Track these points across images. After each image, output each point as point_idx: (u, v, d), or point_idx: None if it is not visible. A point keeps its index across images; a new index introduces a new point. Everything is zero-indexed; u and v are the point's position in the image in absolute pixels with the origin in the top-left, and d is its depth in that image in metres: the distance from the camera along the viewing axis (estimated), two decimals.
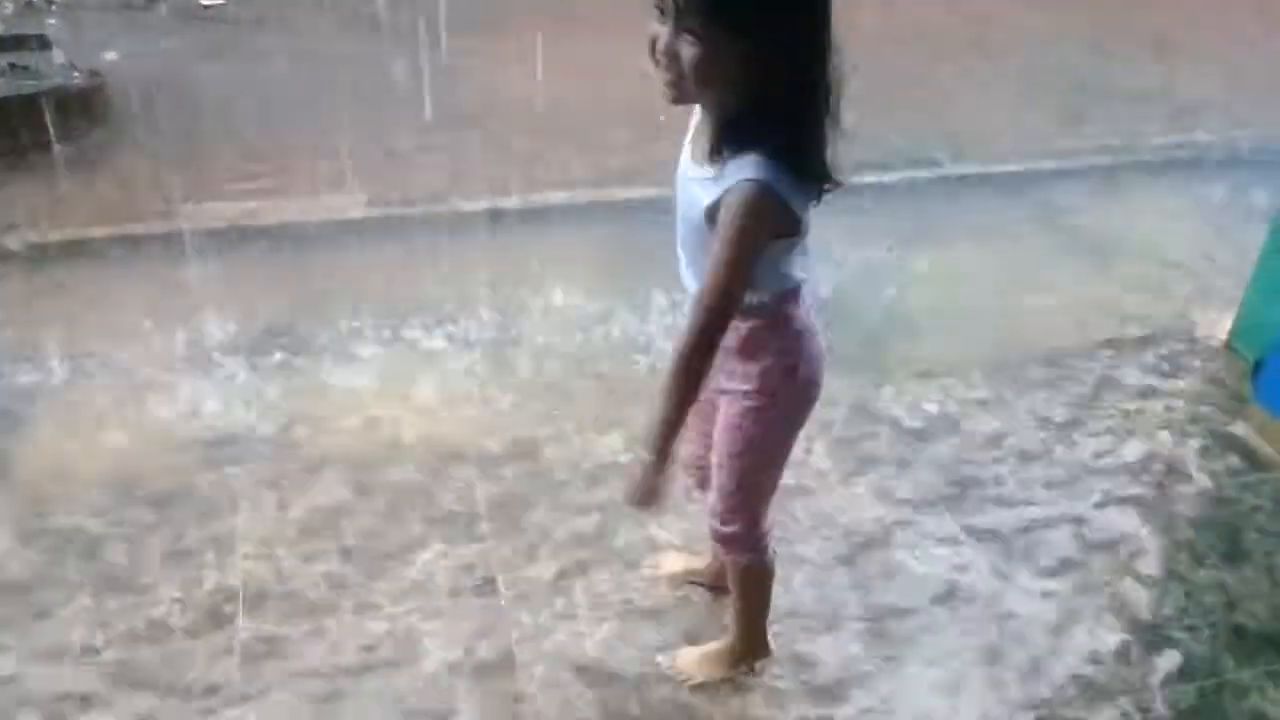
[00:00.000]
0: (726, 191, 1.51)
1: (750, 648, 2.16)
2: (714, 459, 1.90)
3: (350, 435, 2.80)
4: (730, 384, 1.81)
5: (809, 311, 1.77)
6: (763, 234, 1.54)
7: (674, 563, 2.40)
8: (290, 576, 2.36)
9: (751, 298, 1.65)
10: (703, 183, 1.56)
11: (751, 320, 1.71)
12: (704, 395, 1.73)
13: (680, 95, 1.51)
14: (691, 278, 1.70)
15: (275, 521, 2.51)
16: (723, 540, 1.99)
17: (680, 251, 1.73)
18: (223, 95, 4.76)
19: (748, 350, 1.75)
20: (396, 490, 2.61)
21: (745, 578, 2.06)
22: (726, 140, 1.52)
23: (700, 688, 2.13)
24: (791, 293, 1.72)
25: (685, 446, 1.94)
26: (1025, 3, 6.19)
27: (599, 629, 2.25)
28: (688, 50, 1.44)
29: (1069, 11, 6.18)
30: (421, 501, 2.58)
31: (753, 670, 2.16)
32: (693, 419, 1.75)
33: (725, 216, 1.52)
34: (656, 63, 1.49)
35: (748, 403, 1.80)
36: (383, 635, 2.22)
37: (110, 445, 2.74)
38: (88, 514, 2.51)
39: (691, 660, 2.18)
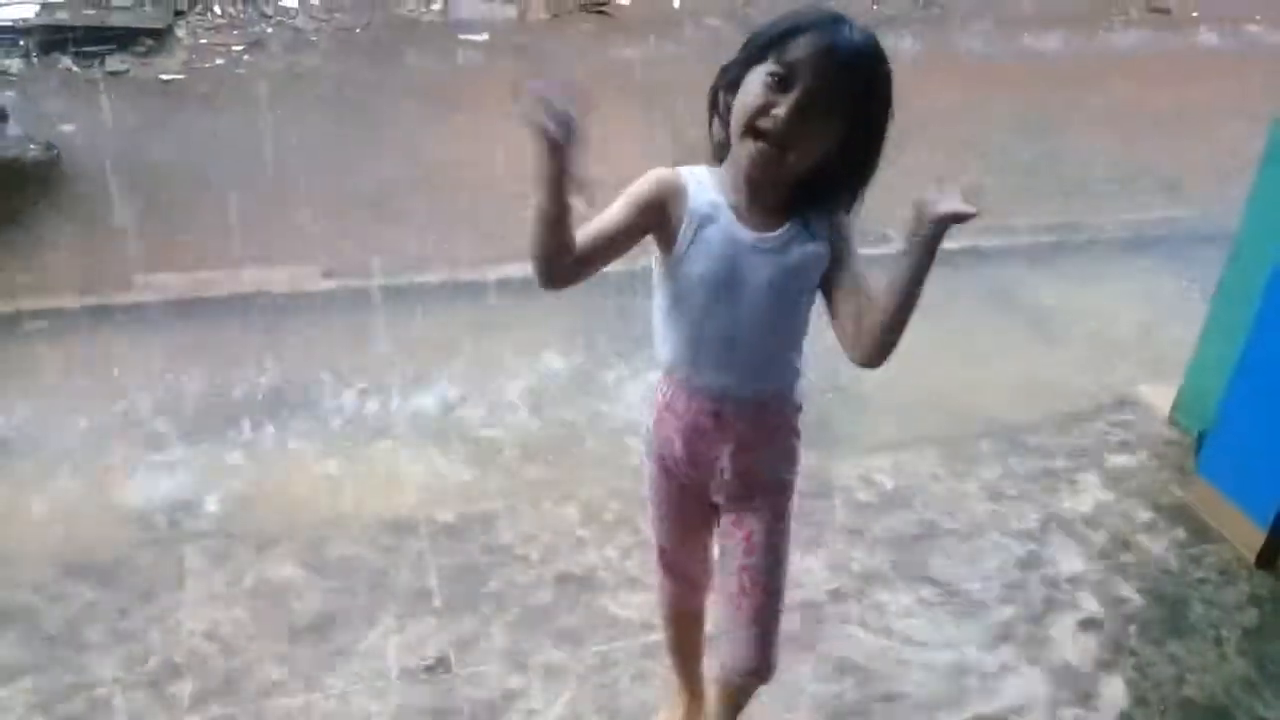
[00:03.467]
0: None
1: None
2: (750, 579, 1.77)
3: (301, 508, 2.77)
4: (777, 473, 1.76)
5: None
6: None
7: None
8: (237, 655, 2.31)
9: (800, 375, 1.71)
10: (783, 246, 1.57)
11: (796, 400, 1.74)
12: (688, 527, 1.81)
13: (780, 167, 1.50)
14: (764, 358, 1.65)
15: (223, 598, 2.46)
16: (764, 672, 1.83)
17: (742, 334, 1.62)
18: (179, 168, 4.76)
19: (793, 430, 1.76)
20: (347, 564, 2.58)
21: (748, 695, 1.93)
22: (812, 198, 1.57)
23: None
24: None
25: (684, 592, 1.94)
26: (968, 81, 6.37)
27: (553, 707, 2.23)
28: (822, 125, 1.47)
29: (1011, 90, 6.36)
30: (373, 576, 2.55)
31: None
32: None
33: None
34: (755, 131, 1.48)
35: (786, 494, 1.78)
36: (332, 714, 2.18)
37: (53, 520, 2.69)
38: (29, 590, 2.45)
39: None
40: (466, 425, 3.17)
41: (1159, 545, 2.82)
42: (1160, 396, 3.40)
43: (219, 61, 6.24)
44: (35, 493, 2.79)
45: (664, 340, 1.67)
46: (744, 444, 1.70)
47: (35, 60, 5.92)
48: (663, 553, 1.92)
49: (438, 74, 6.11)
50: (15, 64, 5.81)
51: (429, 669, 2.31)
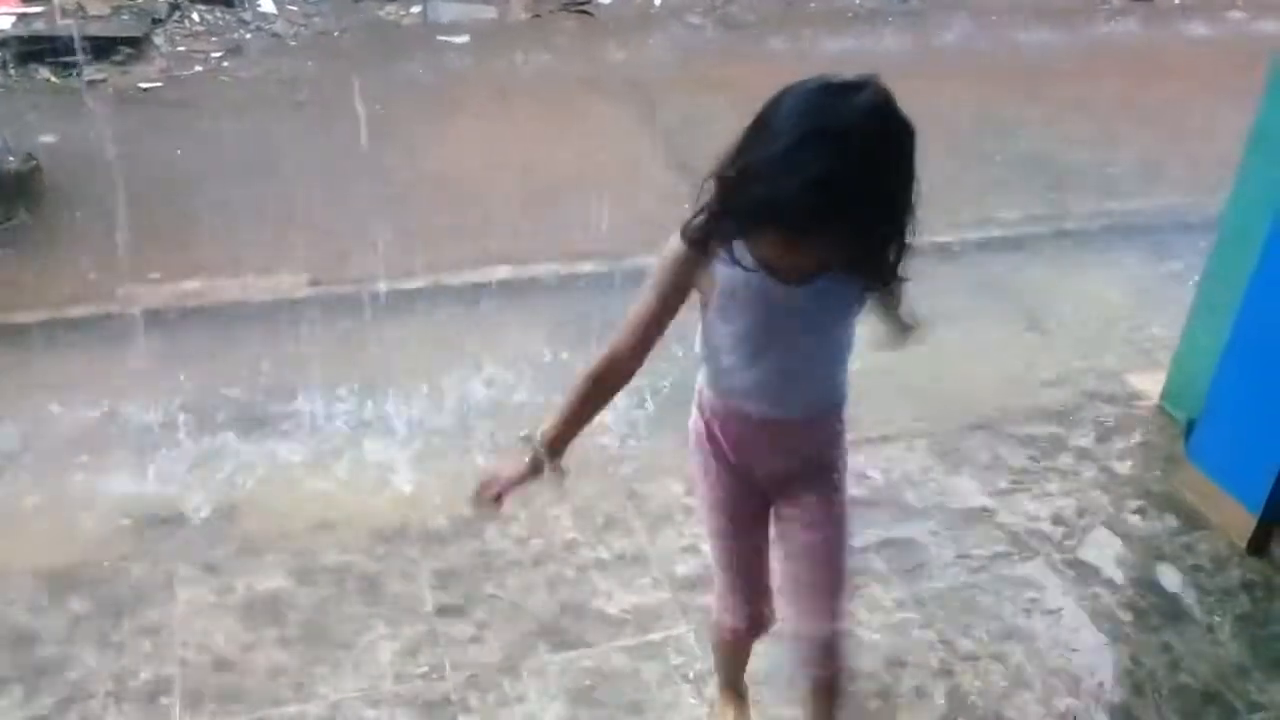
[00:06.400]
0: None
1: None
2: (818, 557, 1.81)
3: (291, 516, 2.75)
4: (836, 464, 1.83)
5: None
6: None
7: None
8: (229, 666, 2.30)
9: (843, 388, 1.78)
10: (817, 295, 1.57)
11: (841, 411, 1.81)
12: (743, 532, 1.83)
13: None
14: (814, 386, 1.73)
15: (213, 608, 2.45)
16: (841, 647, 1.86)
17: (785, 376, 1.68)
18: (160, 177, 4.73)
19: (840, 435, 1.83)
20: (339, 572, 2.57)
21: (844, 684, 1.92)
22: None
23: None
24: None
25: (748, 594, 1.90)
26: (953, 76, 6.37)
27: (549, 710, 2.22)
28: (823, 256, 1.49)
29: (995, 83, 6.36)
30: (364, 583, 2.54)
31: None
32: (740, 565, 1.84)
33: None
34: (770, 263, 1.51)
35: (840, 491, 1.83)
36: None
37: (41, 531, 2.67)
38: (17, 603, 2.43)
39: None
40: (455, 430, 3.16)
41: (1150, 533, 2.82)
42: (1149, 384, 3.41)
43: (198, 69, 6.20)
44: (20, 505, 2.77)
45: (707, 375, 1.75)
46: (790, 449, 1.78)
47: (12, 71, 5.88)
48: (728, 558, 1.89)
49: (420, 77, 6.08)
50: None
51: (423, 676, 2.29)
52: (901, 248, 1.51)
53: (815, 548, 1.80)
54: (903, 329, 1.67)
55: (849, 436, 1.84)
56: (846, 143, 1.38)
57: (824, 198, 1.37)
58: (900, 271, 1.53)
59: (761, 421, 1.72)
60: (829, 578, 1.82)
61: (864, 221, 1.43)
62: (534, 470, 1.67)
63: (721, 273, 1.56)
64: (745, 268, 1.52)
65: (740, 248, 1.51)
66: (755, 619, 1.91)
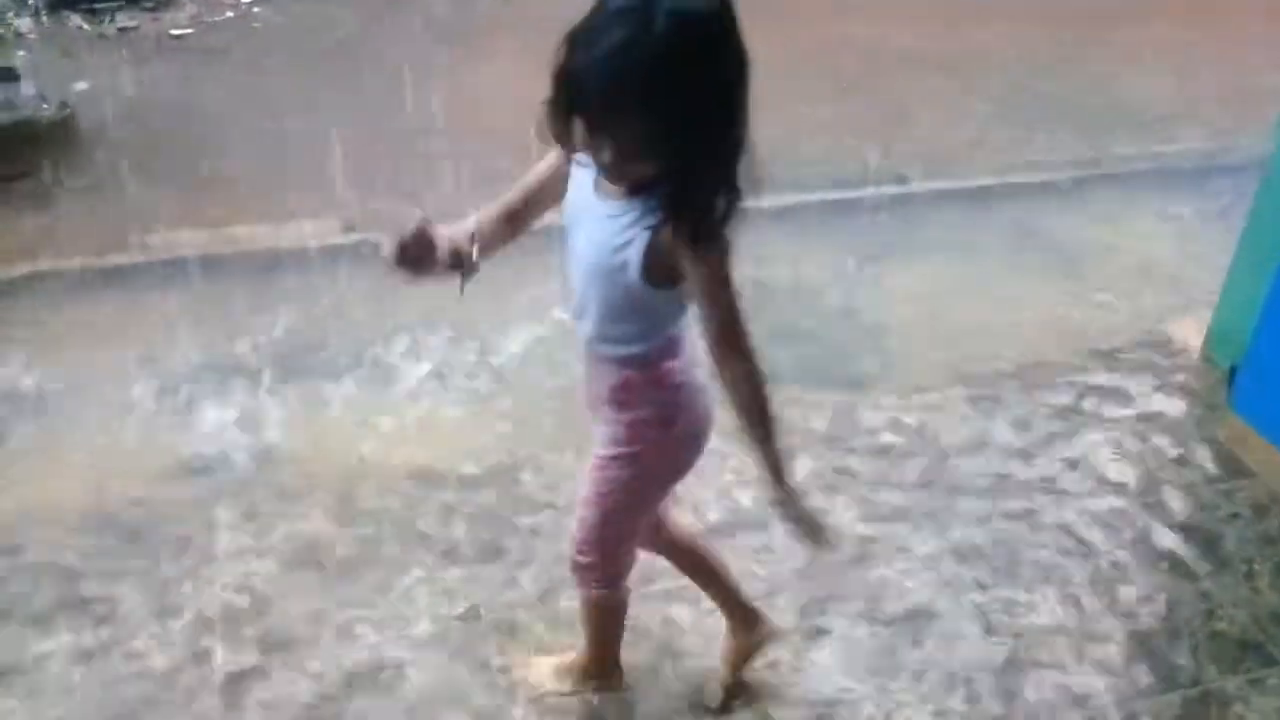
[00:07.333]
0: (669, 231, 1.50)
1: (598, 672, 2.16)
2: (581, 492, 1.89)
3: (328, 461, 2.77)
4: (603, 428, 1.81)
5: (690, 364, 1.74)
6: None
7: None
8: (269, 607, 2.33)
9: (630, 348, 1.68)
10: (613, 219, 1.55)
11: (627, 371, 1.72)
12: None
13: (612, 177, 1.51)
14: (595, 317, 1.68)
15: (253, 551, 2.48)
16: (577, 570, 1.97)
17: (581, 297, 1.69)
18: (193, 123, 4.73)
19: (619, 400, 1.75)
20: (376, 516, 2.59)
21: (595, 608, 2.07)
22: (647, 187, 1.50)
23: None
24: (671, 345, 1.71)
25: None
26: (991, 19, 6.25)
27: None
28: (611, 150, 1.42)
29: (1034, 27, 6.24)
30: (401, 527, 2.56)
31: (607, 689, 2.16)
32: None
33: (703, 275, 1.52)
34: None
35: (616, 449, 1.80)
36: (364, 665, 2.20)
37: (85, 476, 2.70)
38: (63, 546, 2.48)
39: (545, 671, 2.19)
40: (488, 376, 3.16)
41: (1191, 481, 2.79)
42: (1191, 331, 3.36)
43: (229, 15, 6.17)
44: (63, 449, 2.80)
45: None
46: (590, 389, 1.82)
47: (45, 19, 5.87)
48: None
49: (455, 19, 6.02)
50: (25, 23, 5.77)
51: (459, 618, 2.32)
52: (730, 198, 1.45)
53: (586, 485, 1.88)
54: (810, 528, 1.69)
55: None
56: (650, 24, 1.32)
57: (613, 75, 1.34)
58: (723, 226, 1.48)
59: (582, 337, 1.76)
60: (584, 513, 1.89)
61: (660, 125, 1.37)
62: (453, 257, 1.65)
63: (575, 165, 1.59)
64: (580, 164, 1.54)
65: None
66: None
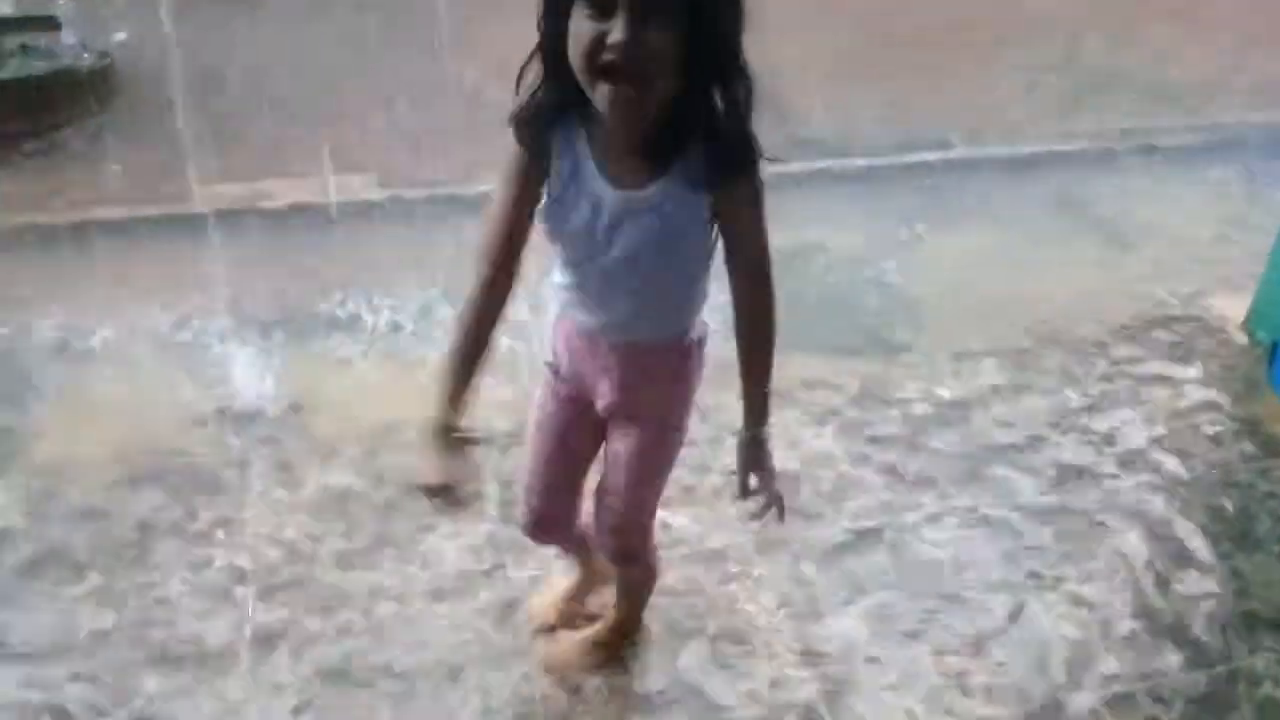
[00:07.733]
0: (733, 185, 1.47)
1: (633, 630, 2.18)
2: (615, 480, 1.83)
3: (360, 416, 2.79)
4: (645, 410, 1.77)
5: None
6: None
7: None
8: (300, 559, 2.36)
9: (688, 319, 1.68)
10: (655, 205, 1.48)
11: (684, 341, 1.71)
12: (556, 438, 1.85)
13: (642, 104, 1.38)
14: (652, 308, 1.64)
15: (285, 502, 2.51)
16: (626, 552, 1.95)
17: (624, 297, 1.63)
18: (234, 75, 4.74)
19: (672, 372, 1.74)
20: (406, 471, 2.60)
21: (643, 581, 2.09)
22: (671, 138, 1.44)
23: None
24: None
25: (538, 500, 1.93)
26: None
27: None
28: (663, 33, 1.31)
29: None
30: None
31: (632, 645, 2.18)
32: (546, 470, 1.87)
33: (746, 205, 1.50)
34: (600, 71, 1.34)
35: (669, 430, 1.80)
36: (392, 617, 2.22)
37: (121, 425, 2.74)
38: (98, 493, 2.51)
39: (571, 649, 2.16)
40: (520, 335, 3.16)
41: (1227, 458, 2.76)
42: (1232, 307, 3.31)
43: None
44: (100, 398, 2.84)
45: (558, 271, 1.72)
46: (624, 381, 1.72)
47: None
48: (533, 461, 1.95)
49: None
50: None
51: (485, 573, 2.33)
52: (747, 94, 1.41)
53: (629, 472, 1.81)
54: (768, 483, 1.71)
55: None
56: None
57: None
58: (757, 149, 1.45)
59: (587, 336, 1.74)
60: (630, 499, 1.84)
61: (711, 12, 1.32)
62: (450, 456, 1.71)
63: (560, 162, 1.53)
64: (579, 155, 1.50)
65: (574, 132, 1.49)
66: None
